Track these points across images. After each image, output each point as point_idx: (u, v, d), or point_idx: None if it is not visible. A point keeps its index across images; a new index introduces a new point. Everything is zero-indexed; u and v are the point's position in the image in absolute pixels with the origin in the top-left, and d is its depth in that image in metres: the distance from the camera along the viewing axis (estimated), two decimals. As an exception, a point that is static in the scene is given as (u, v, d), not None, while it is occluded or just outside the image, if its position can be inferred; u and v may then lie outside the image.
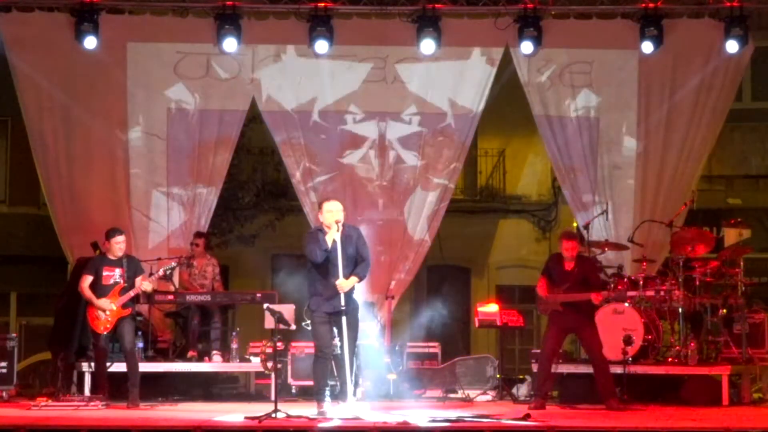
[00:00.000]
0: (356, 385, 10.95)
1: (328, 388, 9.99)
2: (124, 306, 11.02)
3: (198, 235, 13.09)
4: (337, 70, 13.62)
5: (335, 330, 9.82)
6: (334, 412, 9.59)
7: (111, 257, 11.16)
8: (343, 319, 9.69)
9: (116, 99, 13.46)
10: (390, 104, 13.69)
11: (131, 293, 11.04)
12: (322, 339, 9.91)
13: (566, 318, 10.78)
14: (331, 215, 9.84)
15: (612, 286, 11.56)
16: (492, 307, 12.81)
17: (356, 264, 9.88)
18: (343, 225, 9.89)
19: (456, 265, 20.28)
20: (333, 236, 9.78)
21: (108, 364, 11.26)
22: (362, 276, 9.89)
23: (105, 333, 11.03)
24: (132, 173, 13.49)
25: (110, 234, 11.20)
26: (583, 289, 10.71)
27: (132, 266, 11.19)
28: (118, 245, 11.13)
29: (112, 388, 11.07)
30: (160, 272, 11.35)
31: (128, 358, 11.07)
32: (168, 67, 13.51)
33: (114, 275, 11.09)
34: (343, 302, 9.69)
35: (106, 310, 10.96)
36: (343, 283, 9.68)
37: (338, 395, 9.86)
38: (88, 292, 11.08)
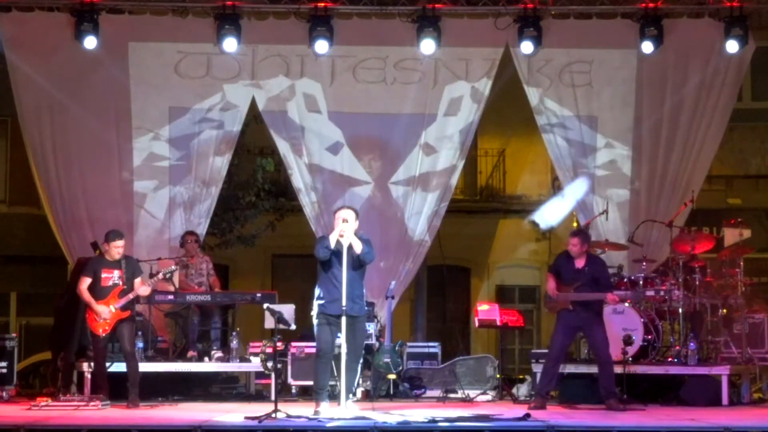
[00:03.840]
0: (357, 385, 10.97)
1: (327, 389, 10.02)
2: (123, 308, 11.02)
3: (192, 234, 13.05)
4: (336, 71, 13.63)
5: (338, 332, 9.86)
6: (332, 412, 9.60)
7: (109, 259, 11.15)
8: (343, 319, 9.70)
9: (117, 99, 13.46)
10: (389, 105, 13.68)
11: (130, 296, 11.03)
12: (323, 341, 9.99)
13: (575, 317, 10.77)
14: (340, 219, 9.96)
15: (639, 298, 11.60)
16: (492, 307, 12.80)
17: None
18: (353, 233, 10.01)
19: (456, 265, 20.29)
20: (336, 235, 9.85)
21: (108, 364, 11.26)
22: (365, 247, 9.90)
23: (104, 335, 11.03)
24: (132, 173, 13.49)
25: (110, 237, 11.14)
26: (593, 288, 10.71)
27: (130, 267, 11.17)
28: (117, 249, 11.08)
29: (112, 388, 11.07)
30: (160, 275, 11.36)
31: (128, 359, 11.08)
32: (168, 66, 13.52)
33: (113, 277, 11.07)
34: (344, 304, 9.70)
35: (104, 315, 10.96)
36: (346, 226, 9.79)
37: (337, 396, 9.88)
38: (86, 295, 11.06)
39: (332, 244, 9.88)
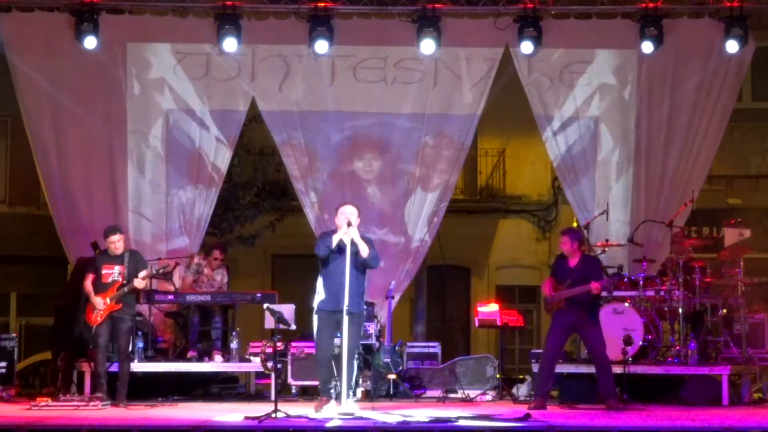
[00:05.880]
0: (356, 385, 10.98)
1: (332, 386, 10.00)
2: (117, 301, 11.08)
3: (221, 249, 12.89)
4: (336, 70, 13.63)
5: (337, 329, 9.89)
6: (333, 411, 9.61)
7: (111, 254, 11.21)
8: (345, 318, 9.71)
9: (116, 99, 13.46)
10: (390, 105, 13.68)
11: (125, 289, 11.09)
12: (321, 341, 10.10)
13: (569, 316, 10.76)
14: (344, 217, 10.02)
15: (612, 286, 11.54)
16: (492, 307, 12.81)
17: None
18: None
19: (456, 265, 20.28)
20: (340, 236, 9.90)
21: (108, 363, 11.28)
22: (371, 252, 10.00)
23: (95, 325, 11.05)
24: (131, 174, 13.49)
25: (107, 232, 11.30)
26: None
27: (133, 261, 11.26)
28: (113, 244, 11.21)
29: (111, 388, 11.08)
30: (152, 270, 11.37)
31: (122, 358, 11.17)
32: (168, 67, 13.52)
33: (113, 273, 11.16)
34: (347, 302, 9.71)
35: (99, 307, 11.06)
36: (352, 230, 9.86)
37: (337, 395, 9.90)
38: (88, 288, 11.22)
39: (333, 244, 9.91)
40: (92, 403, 10.57)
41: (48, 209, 13.73)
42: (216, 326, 12.59)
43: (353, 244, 9.93)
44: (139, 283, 11.17)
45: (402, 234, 13.72)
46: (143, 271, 11.25)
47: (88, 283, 11.20)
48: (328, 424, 9.01)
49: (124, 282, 11.10)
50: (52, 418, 9.54)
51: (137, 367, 11.73)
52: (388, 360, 12.12)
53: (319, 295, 10.12)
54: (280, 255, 20.27)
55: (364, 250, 9.92)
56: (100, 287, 11.14)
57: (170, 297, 12.33)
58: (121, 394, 11.01)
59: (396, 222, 13.72)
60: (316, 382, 11.46)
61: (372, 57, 13.61)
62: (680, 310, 11.82)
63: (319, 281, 10.16)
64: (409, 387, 12.34)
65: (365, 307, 10.58)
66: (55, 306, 13.03)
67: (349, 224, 9.93)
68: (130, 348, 11.42)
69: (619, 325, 11.62)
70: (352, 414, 9.50)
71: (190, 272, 12.77)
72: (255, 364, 12.01)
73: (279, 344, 10.50)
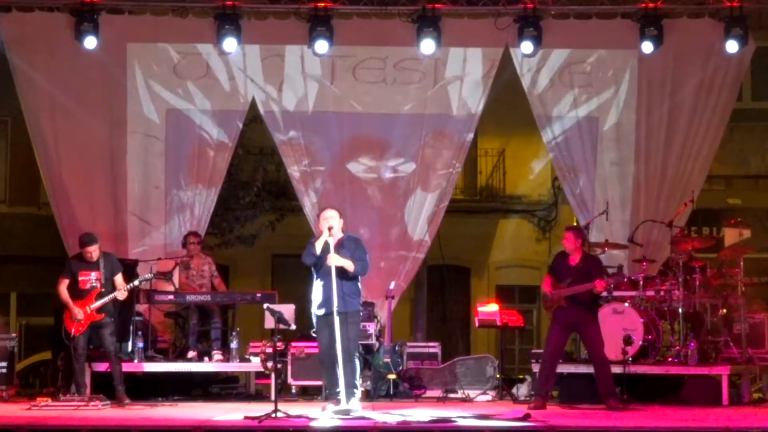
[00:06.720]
0: (359, 384, 10.99)
1: (338, 388, 10.00)
2: (98, 311, 11.06)
3: (194, 234, 13.04)
4: (336, 70, 13.63)
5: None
6: (330, 410, 9.62)
7: (87, 260, 11.17)
8: (336, 320, 9.72)
9: (116, 99, 13.46)
10: (389, 105, 13.69)
11: (106, 299, 11.07)
12: (321, 344, 10.14)
13: (569, 315, 10.74)
14: (326, 222, 10.01)
15: (613, 286, 11.56)
16: (492, 307, 12.80)
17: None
18: (343, 233, 10.08)
19: (456, 265, 20.30)
20: (324, 241, 9.91)
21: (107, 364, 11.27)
22: (357, 266, 9.98)
23: (77, 335, 11.04)
24: (131, 174, 13.48)
25: (82, 242, 11.20)
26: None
27: (109, 266, 11.22)
28: (89, 254, 11.14)
29: (109, 389, 11.08)
30: (136, 282, 11.30)
31: (111, 359, 11.16)
32: (168, 67, 13.52)
33: (90, 279, 11.14)
34: (336, 305, 9.72)
35: (79, 317, 11.02)
36: (332, 256, 9.82)
37: (337, 395, 9.92)
38: (64, 295, 11.16)
39: (318, 251, 9.93)
40: (92, 403, 10.57)
41: (48, 209, 13.75)
42: (215, 326, 12.59)
43: (338, 246, 9.92)
44: (121, 295, 11.15)
45: (402, 234, 13.72)
46: (119, 273, 11.23)
47: (64, 289, 11.15)
48: (329, 424, 9.00)
49: (102, 290, 11.05)
50: (52, 418, 9.54)
51: (137, 367, 11.74)
52: (388, 360, 12.12)
53: (315, 300, 10.15)
54: (280, 255, 20.27)
55: (350, 267, 9.94)
56: (77, 293, 11.11)
57: (170, 297, 12.33)
58: (120, 392, 11.01)
59: (396, 222, 13.72)
60: (316, 382, 11.49)
61: (372, 57, 13.61)
62: (680, 310, 11.81)
63: (314, 286, 10.18)
64: (409, 387, 12.34)
65: (361, 305, 10.54)
66: (55, 306, 13.02)
67: (330, 228, 9.92)
68: (130, 348, 11.40)
69: (619, 325, 11.60)
70: (349, 412, 9.52)
71: (181, 270, 12.76)
72: (255, 364, 12.01)
73: (279, 344, 10.51)
